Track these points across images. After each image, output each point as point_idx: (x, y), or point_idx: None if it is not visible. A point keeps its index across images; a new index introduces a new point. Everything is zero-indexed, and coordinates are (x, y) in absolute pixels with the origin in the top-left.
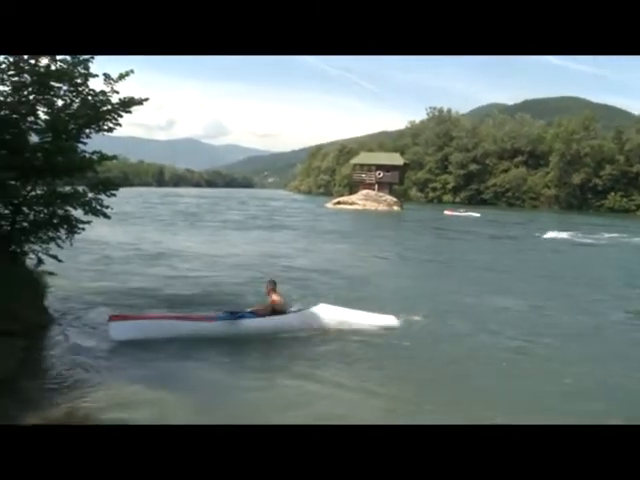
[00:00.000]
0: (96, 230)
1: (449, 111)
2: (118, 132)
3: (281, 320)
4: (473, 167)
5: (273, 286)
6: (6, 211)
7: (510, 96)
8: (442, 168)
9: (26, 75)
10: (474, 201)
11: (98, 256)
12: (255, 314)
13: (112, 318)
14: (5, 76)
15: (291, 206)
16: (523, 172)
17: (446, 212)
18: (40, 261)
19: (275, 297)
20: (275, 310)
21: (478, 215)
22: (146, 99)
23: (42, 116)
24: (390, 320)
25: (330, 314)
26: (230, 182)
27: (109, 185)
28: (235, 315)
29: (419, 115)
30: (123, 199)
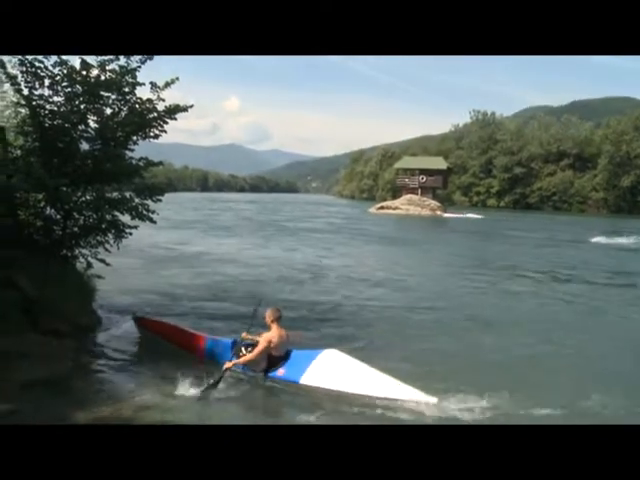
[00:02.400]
0: (204, 250)
1: (493, 114)
2: (163, 138)
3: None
4: (518, 171)
5: (277, 316)
6: (58, 216)
7: (556, 98)
8: (486, 172)
9: (78, 86)
10: (519, 205)
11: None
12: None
13: (135, 319)
14: (59, 87)
15: (347, 211)
16: (570, 175)
17: (446, 215)
18: (89, 265)
19: (274, 333)
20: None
21: (479, 217)
22: (191, 106)
23: (92, 124)
24: (425, 398)
25: (335, 369)
26: (274, 187)
27: (155, 190)
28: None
29: (463, 118)
30: (175, 205)
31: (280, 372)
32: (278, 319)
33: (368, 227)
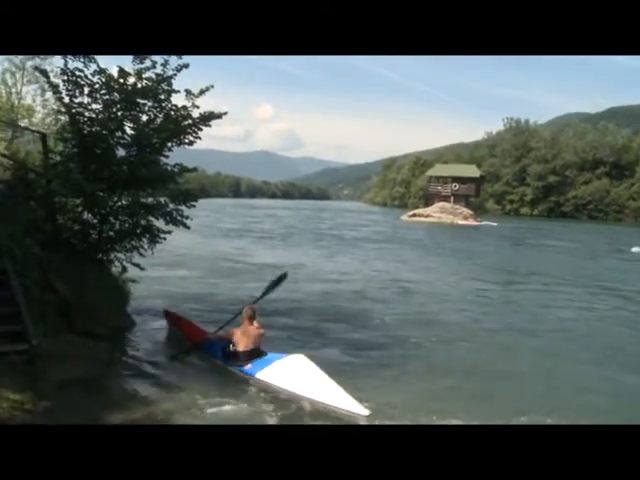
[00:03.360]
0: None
1: (527, 121)
2: (197, 145)
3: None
4: (552, 179)
5: (249, 315)
6: (94, 221)
7: (592, 104)
8: (520, 180)
9: (115, 93)
10: (553, 214)
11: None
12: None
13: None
14: (98, 95)
15: (385, 219)
16: (606, 184)
17: (460, 222)
18: (124, 269)
19: (241, 329)
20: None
21: (495, 224)
22: (225, 113)
23: (128, 131)
24: (358, 409)
25: (297, 373)
26: (305, 194)
27: (189, 196)
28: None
29: (496, 126)
30: (213, 211)
31: (247, 366)
32: (250, 318)
33: (420, 237)
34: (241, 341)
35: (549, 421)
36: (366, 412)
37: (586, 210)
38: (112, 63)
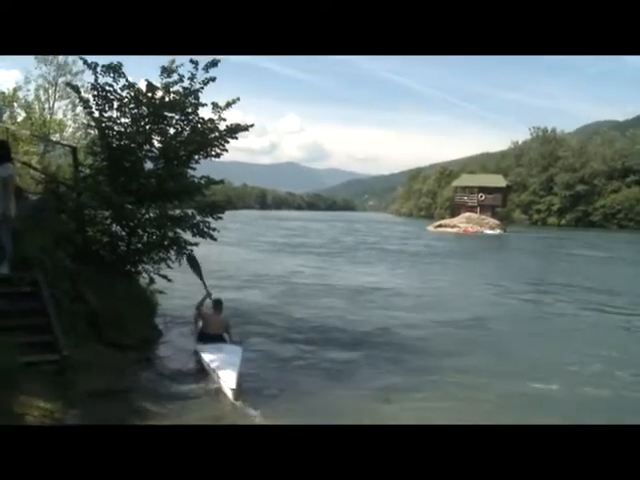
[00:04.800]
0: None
1: (554, 130)
2: (223, 157)
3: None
4: (580, 188)
5: (213, 305)
6: (123, 233)
7: (621, 112)
8: (547, 189)
9: (144, 107)
10: (582, 223)
11: None
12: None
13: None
14: (127, 109)
15: (418, 231)
16: (636, 192)
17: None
18: (152, 280)
19: (206, 316)
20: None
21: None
22: (251, 125)
23: (156, 144)
24: (229, 384)
25: (221, 356)
26: (331, 205)
27: (216, 208)
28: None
29: (522, 135)
30: (246, 224)
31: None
32: (215, 308)
33: (476, 251)
34: (208, 327)
35: None
36: (233, 386)
37: (615, 219)
38: (140, 77)
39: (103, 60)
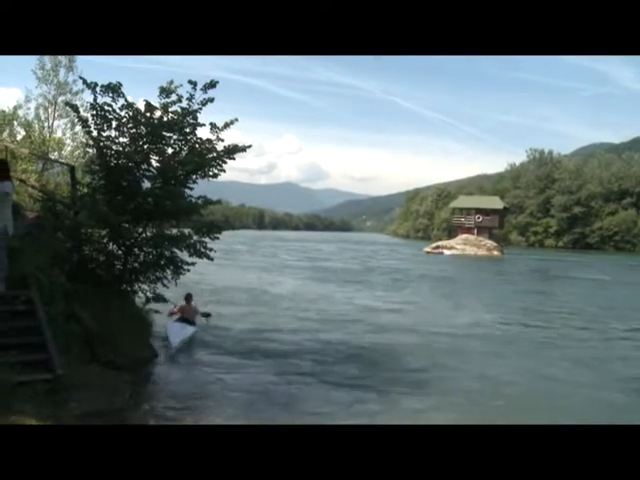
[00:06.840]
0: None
1: (550, 152)
2: (221, 177)
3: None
4: (577, 210)
5: (185, 297)
6: (119, 252)
7: (617, 134)
8: (544, 211)
9: (142, 127)
10: (579, 245)
11: None
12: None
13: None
14: (125, 129)
15: (418, 254)
16: (633, 214)
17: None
18: (148, 300)
19: (181, 306)
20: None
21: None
22: (249, 146)
23: (154, 163)
24: (174, 340)
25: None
26: (328, 226)
27: (213, 228)
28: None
29: (519, 157)
30: (247, 244)
31: (179, 325)
32: (186, 300)
33: (486, 275)
34: (184, 313)
35: None
36: (175, 344)
37: (612, 241)
38: (139, 97)
39: (102, 60)
